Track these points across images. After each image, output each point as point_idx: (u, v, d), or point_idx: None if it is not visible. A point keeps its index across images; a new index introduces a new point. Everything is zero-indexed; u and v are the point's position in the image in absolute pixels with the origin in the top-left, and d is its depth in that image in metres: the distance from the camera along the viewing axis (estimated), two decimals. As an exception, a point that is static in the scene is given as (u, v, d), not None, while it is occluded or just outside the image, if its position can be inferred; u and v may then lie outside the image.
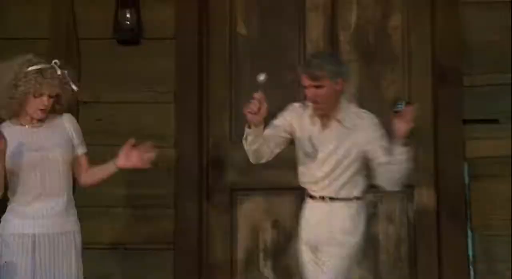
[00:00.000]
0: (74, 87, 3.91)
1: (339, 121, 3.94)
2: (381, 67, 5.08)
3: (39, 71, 3.79)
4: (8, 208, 3.86)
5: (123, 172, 4.30)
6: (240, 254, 5.14)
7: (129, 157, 3.88)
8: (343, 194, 3.87)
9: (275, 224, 5.02)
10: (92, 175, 3.92)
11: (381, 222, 5.00)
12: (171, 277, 4.99)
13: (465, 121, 4.80)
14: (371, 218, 4.91)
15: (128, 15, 4.96)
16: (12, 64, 3.83)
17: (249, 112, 3.74)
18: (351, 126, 3.94)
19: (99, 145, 4.63)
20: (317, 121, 3.94)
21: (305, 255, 3.98)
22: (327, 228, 3.92)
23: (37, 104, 3.79)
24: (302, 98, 4.29)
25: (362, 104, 4.84)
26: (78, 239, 3.92)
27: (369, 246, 4.84)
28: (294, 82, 4.94)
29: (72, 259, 3.90)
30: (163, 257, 4.95)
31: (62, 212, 3.88)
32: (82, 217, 4.53)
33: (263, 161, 3.96)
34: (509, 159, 4.71)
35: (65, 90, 3.88)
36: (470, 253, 4.74)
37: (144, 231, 4.99)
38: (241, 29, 5.23)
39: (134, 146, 3.89)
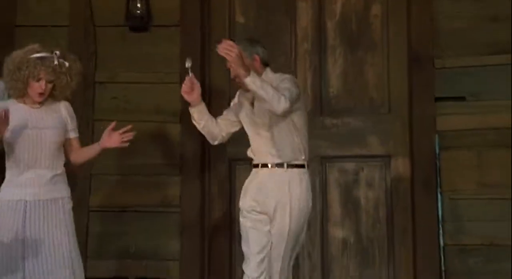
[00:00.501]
0: (69, 78, 4.11)
1: None
2: (363, 52, 5.35)
3: (39, 58, 4.05)
4: (5, 178, 4.14)
5: (138, 146, 4.90)
6: (237, 216, 5.21)
7: (111, 138, 4.15)
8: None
9: None
10: (80, 155, 4.19)
11: (362, 187, 5.27)
12: (178, 236, 5.21)
13: (436, 99, 5.07)
14: (353, 184, 5.26)
15: (138, 5, 5.25)
16: (18, 52, 4.14)
17: (184, 92, 4.07)
18: None
19: (113, 120, 4.94)
20: (249, 96, 4.15)
21: None
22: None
23: (36, 88, 4.05)
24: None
25: (346, 84, 5.29)
26: (68, 205, 4.15)
27: (352, 209, 5.24)
28: (285, 65, 5.28)
29: (61, 222, 4.11)
30: (171, 218, 5.25)
31: (50, 181, 4.12)
32: (102, 183, 5.18)
33: (218, 141, 4.27)
34: (474, 131, 4.99)
35: (60, 79, 4.12)
36: (440, 214, 5.01)
37: (154, 195, 5.27)
38: (239, 18, 5.53)
39: (113, 129, 4.14)
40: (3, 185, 4.11)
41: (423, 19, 5.21)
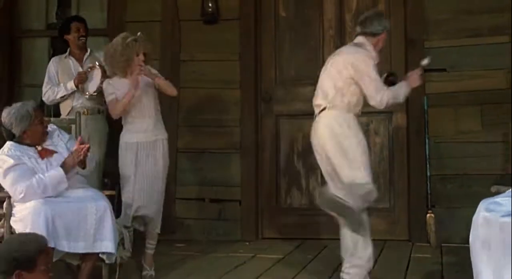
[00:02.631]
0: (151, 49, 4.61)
1: None
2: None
3: (133, 39, 4.62)
4: (123, 127, 4.73)
5: (210, 105, 5.77)
6: (283, 156, 5.99)
7: None
8: None
9: (304, 137, 5.70)
10: None
11: (371, 135, 5.83)
12: (239, 169, 5.87)
13: (425, 71, 5.01)
14: (365, 133, 5.18)
15: (210, 4, 5.90)
16: (118, 39, 4.65)
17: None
18: None
19: (193, 88, 5.90)
20: None
21: None
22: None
23: (138, 60, 4.57)
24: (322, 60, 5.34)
25: None
26: (166, 145, 4.72)
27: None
28: (315, 46, 5.92)
29: (161, 156, 4.69)
30: (234, 157, 5.92)
31: (152, 127, 4.68)
32: (185, 132, 5.82)
33: None
34: (452, 94, 5.60)
35: (148, 50, 4.67)
36: (427, 153, 5.57)
37: (221, 141, 5.94)
38: (282, 12, 6.08)
39: None
40: (122, 131, 4.71)
41: (416, 12, 5.72)
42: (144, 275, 4.65)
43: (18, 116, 4.10)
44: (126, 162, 4.69)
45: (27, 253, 2.83)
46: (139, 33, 4.68)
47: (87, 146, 4.15)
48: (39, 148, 4.22)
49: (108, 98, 4.74)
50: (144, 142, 4.68)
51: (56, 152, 4.23)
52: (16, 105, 4.18)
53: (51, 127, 4.36)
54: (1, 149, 4.22)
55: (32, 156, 4.17)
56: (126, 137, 4.71)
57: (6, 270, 2.81)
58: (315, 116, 4.33)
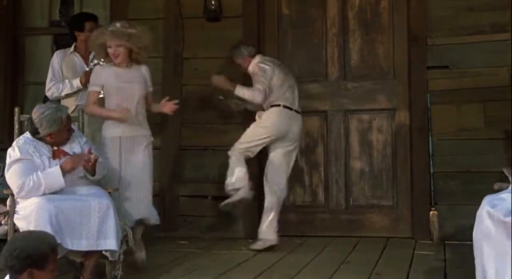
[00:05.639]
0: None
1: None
2: (375, 34, 5.93)
3: (111, 30, 4.62)
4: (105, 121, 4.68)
5: (209, 101, 5.69)
6: None
7: (165, 106, 4.77)
8: None
9: (307, 134, 5.90)
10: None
11: (374, 132, 5.87)
12: None
13: (428, 68, 5.65)
14: (368, 130, 5.84)
15: (213, 2, 5.92)
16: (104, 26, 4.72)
17: None
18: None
19: (196, 85, 5.89)
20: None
21: None
22: None
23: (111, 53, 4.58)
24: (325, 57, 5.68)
25: (362, 57, 5.84)
26: (149, 139, 4.70)
27: (367, 147, 5.86)
28: (318, 44, 5.95)
29: (144, 151, 4.66)
30: None
31: (137, 123, 4.66)
32: (185, 130, 5.76)
33: None
34: (455, 91, 5.58)
35: (136, 46, 4.62)
36: (430, 150, 5.61)
37: (224, 139, 5.73)
38: (285, 10, 6.09)
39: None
40: (104, 125, 4.65)
41: (418, 10, 5.73)
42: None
43: (51, 120, 4.13)
44: (109, 159, 4.65)
45: (42, 251, 2.84)
46: (117, 24, 4.69)
47: (95, 157, 4.14)
48: (55, 148, 4.22)
49: (92, 88, 4.74)
50: (127, 137, 4.66)
51: (69, 154, 4.23)
52: (51, 107, 4.21)
53: (74, 128, 4.37)
54: (18, 138, 4.24)
55: (44, 154, 4.19)
56: (109, 131, 4.68)
57: (18, 268, 2.81)
58: (298, 111, 5.37)
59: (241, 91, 5.24)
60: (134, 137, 4.69)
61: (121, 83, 4.64)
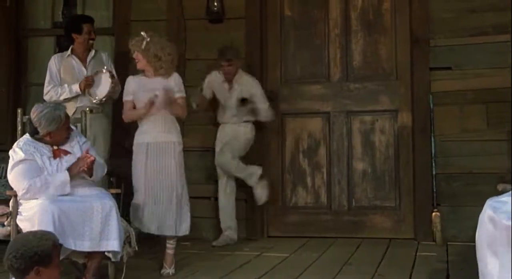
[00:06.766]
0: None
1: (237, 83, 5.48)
2: (377, 35, 5.94)
3: (139, 39, 4.69)
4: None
5: (212, 102, 5.67)
6: (288, 155, 6.02)
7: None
8: None
9: (309, 135, 5.95)
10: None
11: (377, 133, 5.88)
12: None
13: (430, 69, 5.64)
14: (370, 131, 5.85)
15: (215, 3, 5.91)
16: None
17: None
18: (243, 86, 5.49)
19: (198, 86, 5.79)
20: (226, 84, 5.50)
21: None
22: None
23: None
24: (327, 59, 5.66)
25: (365, 58, 5.88)
26: (178, 147, 4.70)
27: (369, 148, 5.86)
28: (321, 45, 5.95)
29: (171, 158, 4.66)
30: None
31: (164, 129, 4.68)
32: (188, 131, 5.60)
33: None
34: (457, 92, 5.60)
35: (145, 50, 4.66)
36: (432, 151, 5.60)
37: None
38: (287, 12, 6.10)
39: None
40: (136, 133, 4.71)
41: (421, 11, 5.73)
42: (162, 273, 4.64)
43: (49, 119, 4.12)
44: (135, 163, 4.69)
45: (45, 247, 2.89)
46: (142, 33, 4.73)
47: (92, 158, 4.12)
48: (55, 148, 4.22)
49: (125, 97, 4.81)
50: (154, 143, 4.68)
51: (70, 153, 4.23)
52: (49, 106, 4.21)
53: (73, 128, 4.38)
54: (18, 140, 4.24)
55: (45, 154, 4.19)
56: (138, 138, 4.74)
57: (24, 268, 2.85)
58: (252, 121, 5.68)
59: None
60: (161, 143, 4.69)
61: (145, 92, 4.68)
